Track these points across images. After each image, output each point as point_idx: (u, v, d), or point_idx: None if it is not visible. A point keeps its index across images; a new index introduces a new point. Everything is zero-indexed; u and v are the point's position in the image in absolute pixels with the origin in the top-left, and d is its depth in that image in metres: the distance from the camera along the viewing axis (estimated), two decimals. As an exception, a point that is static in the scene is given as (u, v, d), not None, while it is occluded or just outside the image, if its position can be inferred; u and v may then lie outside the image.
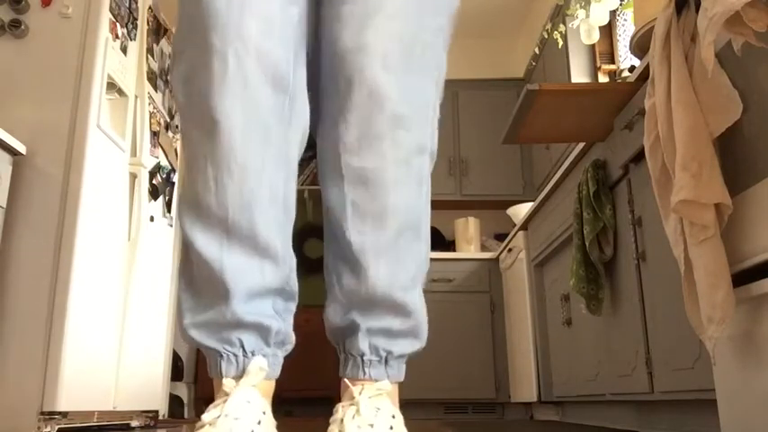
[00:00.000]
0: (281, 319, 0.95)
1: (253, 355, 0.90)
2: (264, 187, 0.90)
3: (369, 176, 0.92)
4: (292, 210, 0.97)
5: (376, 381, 0.95)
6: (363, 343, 0.94)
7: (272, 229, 0.91)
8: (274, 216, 0.91)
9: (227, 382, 0.87)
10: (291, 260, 0.96)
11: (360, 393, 0.91)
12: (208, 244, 0.88)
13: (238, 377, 0.88)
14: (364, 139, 0.92)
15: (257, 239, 0.89)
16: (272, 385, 0.95)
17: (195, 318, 0.91)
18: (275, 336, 0.93)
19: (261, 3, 0.89)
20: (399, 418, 0.95)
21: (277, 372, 0.96)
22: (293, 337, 0.99)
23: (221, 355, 0.90)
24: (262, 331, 0.91)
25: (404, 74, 0.93)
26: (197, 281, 0.91)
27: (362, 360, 0.95)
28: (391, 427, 0.92)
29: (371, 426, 0.88)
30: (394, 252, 0.94)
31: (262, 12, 0.88)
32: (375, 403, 0.92)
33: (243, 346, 0.90)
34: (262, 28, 0.88)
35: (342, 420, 0.89)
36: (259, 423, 0.85)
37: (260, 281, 0.90)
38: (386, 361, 0.96)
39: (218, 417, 0.83)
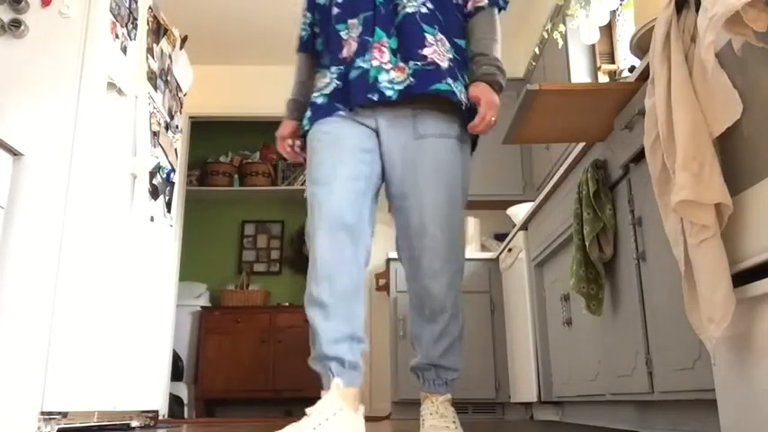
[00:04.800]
0: (353, 353, 1.68)
1: (334, 377, 1.65)
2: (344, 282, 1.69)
3: None
4: (361, 288, 1.73)
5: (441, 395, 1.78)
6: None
7: (346, 304, 1.69)
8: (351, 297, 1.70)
9: (323, 393, 1.65)
10: (358, 319, 1.71)
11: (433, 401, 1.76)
12: (313, 315, 1.68)
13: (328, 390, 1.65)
14: None
15: (337, 311, 1.68)
16: (354, 391, 1.67)
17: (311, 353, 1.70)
18: (348, 364, 1.66)
19: (342, 189, 1.72)
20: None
21: (357, 382, 1.69)
22: (362, 363, 1.71)
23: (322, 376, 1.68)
24: (341, 362, 1.66)
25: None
26: (311, 335, 1.69)
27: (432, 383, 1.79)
28: (454, 421, 1.72)
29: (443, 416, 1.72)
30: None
31: (342, 194, 1.72)
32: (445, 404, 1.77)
33: (331, 371, 1.66)
34: (340, 202, 1.72)
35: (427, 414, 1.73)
36: (334, 414, 1.57)
37: (338, 334, 1.66)
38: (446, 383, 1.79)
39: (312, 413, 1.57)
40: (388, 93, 1.74)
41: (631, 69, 2.48)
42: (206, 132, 5.46)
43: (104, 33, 2.49)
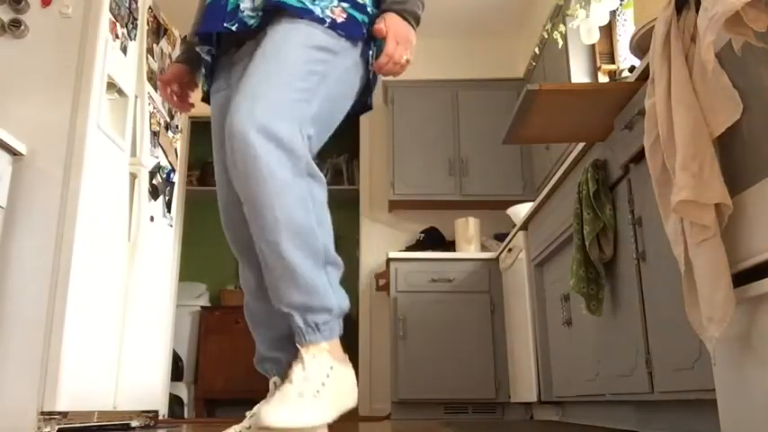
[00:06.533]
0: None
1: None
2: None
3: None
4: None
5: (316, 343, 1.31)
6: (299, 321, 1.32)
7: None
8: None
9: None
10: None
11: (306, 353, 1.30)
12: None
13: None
14: None
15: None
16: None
17: None
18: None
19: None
20: (336, 367, 1.31)
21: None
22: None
23: None
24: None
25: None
26: None
27: (302, 331, 1.32)
28: (327, 375, 1.28)
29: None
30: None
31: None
32: (317, 358, 1.29)
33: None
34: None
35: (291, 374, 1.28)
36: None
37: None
38: (317, 329, 1.32)
39: None
40: (251, 21, 1.43)
41: (631, 69, 2.48)
42: (206, 132, 5.44)
43: (104, 33, 2.49)
